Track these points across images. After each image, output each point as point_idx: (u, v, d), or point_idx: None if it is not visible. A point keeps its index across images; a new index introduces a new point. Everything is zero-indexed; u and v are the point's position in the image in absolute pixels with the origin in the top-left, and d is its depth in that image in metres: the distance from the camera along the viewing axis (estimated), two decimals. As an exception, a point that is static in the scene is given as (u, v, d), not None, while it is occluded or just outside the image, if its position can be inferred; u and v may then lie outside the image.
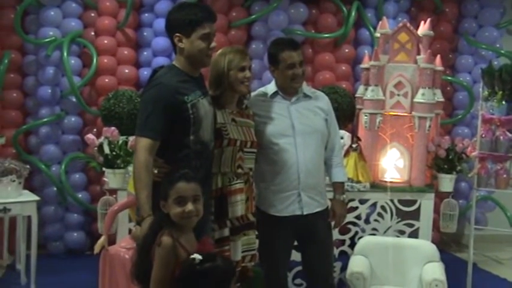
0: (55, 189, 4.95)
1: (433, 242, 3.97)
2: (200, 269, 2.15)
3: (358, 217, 4.13)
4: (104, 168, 4.07)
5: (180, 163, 2.51)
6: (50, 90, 4.92)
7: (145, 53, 5.19)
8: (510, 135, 4.00)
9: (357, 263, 3.67)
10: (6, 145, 4.84)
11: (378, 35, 4.33)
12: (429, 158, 4.29)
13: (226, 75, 2.79)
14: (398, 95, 4.17)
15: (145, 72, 5.06)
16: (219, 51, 2.86)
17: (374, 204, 4.15)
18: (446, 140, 4.32)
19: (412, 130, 4.15)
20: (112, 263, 3.39)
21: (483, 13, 5.49)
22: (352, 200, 4.03)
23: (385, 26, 4.25)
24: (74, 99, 4.92)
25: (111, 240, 3.60)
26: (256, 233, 2.94)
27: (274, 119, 3.01)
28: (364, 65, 4.38)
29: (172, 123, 2.53)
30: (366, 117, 4.19)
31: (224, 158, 2.77)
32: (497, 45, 5.50)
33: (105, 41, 5.02)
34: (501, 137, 4.00)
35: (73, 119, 5.03)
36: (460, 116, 5.47)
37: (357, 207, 4.10)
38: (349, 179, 3.86)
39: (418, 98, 4.08)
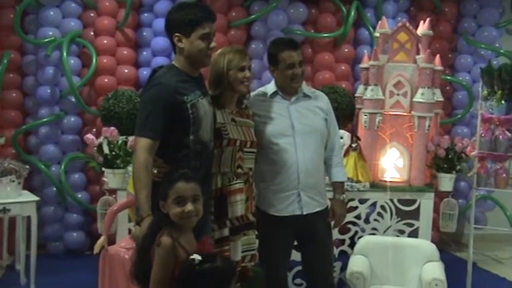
0: (54, 189, 4.94)
1: (432, 241, 3.97)
2: (199, 269, 2.15)
3: (357, 217, 4.13)
4: (103, 168, 4.07)
5: (179, 163, 2.51)
6: (49, 90, 4.92)
7: (144, 53, 5.19)
8: (509, 134, 4.00)
9: (356, 263, 3.67)
10: (5, 145, 4.84)
11: (377, 34, 4.33)
12: (429, 157, 4.29)
13: (226, 75, 2.79)
14: (397, 94, 4.17)
15: (144, 72, 5.06)
16: (219, 51, 2.86)
17: (374, 204, 4.15)
18: (446, 139, 4.32)
19: (412, 130, 4.15)
20: (112, 263, 3.39)
21: (482, 13, 5.50)
22: (352, 199, 4.03)
23: (385, 26, 4.25)
24: (74, 99, 4.92)
25: (111, 240, 3.59)
26: (256, 233, 2.94)
27: (274, 118, 3.01)
28: (363, 65, 4.39)
29: (171, 123, 2.53)
30: (365, 116, 4.19)
31: (224, 158, 2.77)
32: (497, 45, 5.51)
33: (105, 41, 5.02)
34: (500, 137, 3.99)
35: (72, 119, 5.03)
36: (459, 116, 5.48)
37: (356, 207, 4.10)
38: (348, 178, 3.85)
39: (418, 98, 4.09)
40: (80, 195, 4.99)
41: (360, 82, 4.53)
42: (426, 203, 4.13)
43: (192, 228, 2.32)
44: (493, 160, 4.10)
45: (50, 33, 4.87)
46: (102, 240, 3.48)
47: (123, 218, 3.82)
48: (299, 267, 3.65)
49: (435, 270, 3.61)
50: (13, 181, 4.08)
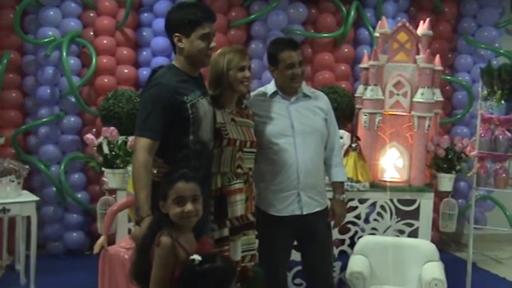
0: (54, 189, 4.94)
1: (432, 241, 3.97)
2: (199, 270, 2.14)
3: (357, 217, 4.13)
4: (103, 168, 4.07)
5: (179, 163, 2.51)
6: (49, 90, 4.92)
7: (144, 52, 5.19)
8: (509, 134, 4.00)
9: (356, 263, 3.67)
10: (5, 145, 4.84)
11: (377, 34, 4.33)
12: (428, 157, 4.29)
13: (226, 75, 2.79)
14: (397, 94, 4.17)
15: (144, 72, 5.05)
16: (219, 51, 2.86)
17: (373, 204, 4.15)
18: (446, 139, 4.32)
19: (412, 130, 4.15)
20: (111, 263, 3.39)
21: (482, 13, 5.50)
22: (352, 199, 4.03)
23: (384, 26, 4.25)
24: (73, 99, 4.92)
25: (111, 240, 3.59)
26: (256, 233, 2.94)
27: (274, 118, 3.01)
28: (363, 65, 4.39)
29: (171, 123, 2.53)
30: (365, 116, 4.19)
31: (224, 158, 2.77)
32: (496, 45, 5.51)
33: (105, 41, 5.01)
34: (500, 137, 3.99)
35: (72, 119, 5.03)
36: (459, 116, 5.48)
37: (356, 207, 4.10)
38: (348, 178, 3.85)
39: (418, 98, 4.09)
40: (79, 195, 4.99)
41: (360, 82, 4.53)
42: (426, 203, 4.13)
43: (192, 228, 2.32)
44: (492, 160, 4.10)
45: (50, 33, 4.87)
46: (101, 240, 3.48)
47: (123, 218, 3.82)
48: (299, 267, 3.65)
49: (435, 270, 3.61)
50: (13, 181, 4.08)
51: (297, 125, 3.01)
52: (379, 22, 4.33)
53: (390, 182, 4.17)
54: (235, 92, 2.84)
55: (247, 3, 5.21)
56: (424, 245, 3.83)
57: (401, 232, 4.14)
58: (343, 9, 5.24)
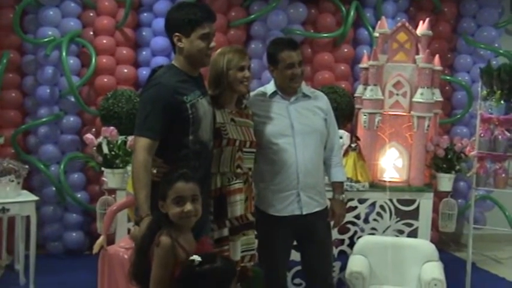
0: (54, 189, 4.94)
1: (432, 241, 3.97)
2: (199, 270, 2.14)
3: (357, 217, 4.13)
4: (102, 168, 4.07)
5: (179, 163, 2.51)
6: (48, 90, 4.92)
7: (144, 52, 5.19)
8: (509, 134, 4.00)
9: (356, 263, 3.67)
10: (5, 145, 4.84)
11: (376, 34, 4.33)
12: (428, 157, 4.29)
13: (226, 74, 2.78)
14: (397, 94, 4.17)
15: (144, 72, 5.05)
16: (218, 50, 2.86)
17: (373, 204, 4.15)
18: (445, 139, 4.32)
19: (411, 130, 4.15)
20: (111, 263, 3.39)
21: (482, 13, 5.50)
22: (351, 199, 4.03)
23: (384, 26, 4.25)
24: (73, 99, 4.92)
25: (110, 240, 3.60)
26: (256, 232, 2.94)
27: (274, 118, 3.01)
28: (363, 65, 4.39)
29: (171, 123, 2.53)
30: (365, 116, 4.19)
31: (223, 158, 2.77)
32: (496, 45, 5.51)
33: (104, 41, 5.01)
34: (500, 137, 4.00)
35: (72, 118, 5.03)
36: (458, 116, 5.48)
37: (356, 207, 4.10)
38: (348, 178, 3.85)
39: (417, 98, 4.09)
40: (79, 195, 4.99)
41: (360, 82, 4.53)
42: (425, 203, 4.13)
43: (192, 228, 2.32)
44: (492, 160, 4.11)
45: (50, 32, 4.87)
46: (101, 240, 3.48)
47: (123, 217, 3.82)
48: (298, 267, 3.65)
49: (434, 270, 3.61)
50: (12, 181, 4.08)
51: (296, 125, 3.01)
52: (379, 22, 4.33)
53: (390, 182, 4.17)
54: (235, 92, 2.84)
55: (247, 3, 5.21)
56: (424, 245, 3.83)
57: (401, 232, 4.14)
58: (343, 9, 5.24)
